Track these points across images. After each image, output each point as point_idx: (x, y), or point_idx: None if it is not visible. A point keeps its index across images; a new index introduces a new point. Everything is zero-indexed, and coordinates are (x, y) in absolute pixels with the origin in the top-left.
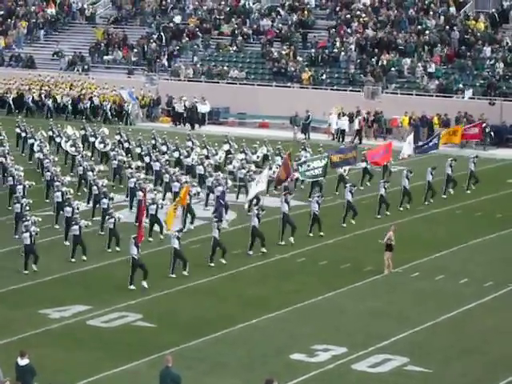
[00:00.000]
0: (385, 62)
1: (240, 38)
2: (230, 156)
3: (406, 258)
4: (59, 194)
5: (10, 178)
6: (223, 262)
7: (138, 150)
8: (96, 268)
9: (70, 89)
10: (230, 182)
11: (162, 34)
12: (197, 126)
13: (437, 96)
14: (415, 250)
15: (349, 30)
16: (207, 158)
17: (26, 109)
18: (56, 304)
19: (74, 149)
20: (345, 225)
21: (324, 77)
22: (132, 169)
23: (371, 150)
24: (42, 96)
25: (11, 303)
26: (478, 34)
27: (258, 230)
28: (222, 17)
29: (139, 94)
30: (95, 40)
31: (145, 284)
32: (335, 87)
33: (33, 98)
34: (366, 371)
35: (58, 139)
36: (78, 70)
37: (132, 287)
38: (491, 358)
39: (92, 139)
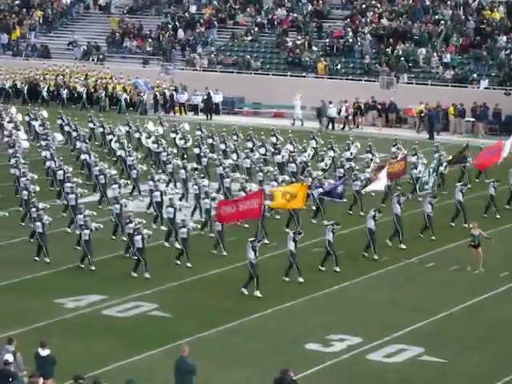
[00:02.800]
0: (400, 52)
1: (255, 27)
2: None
3: (421, 248)
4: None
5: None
6: (337, 270)
7: (223, 147)
8: (111, 258)
9: (86, 79)
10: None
11: (177, 23)
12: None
13: (452, 86)
14: (431, 240)
15: (364, 20)
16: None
17: (40, 99)
18: (71, 294)
19: (156, 145)
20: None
21: (339, 67)
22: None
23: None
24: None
25: (27, 293)
26: (494, 24)
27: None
28: (237, 6)
29: (155, 83)
30: (110, 30)
31: (258, 293)
32: (350, 77)
33: (48, 87)
34: (381, 361)
35: (136, 134)
36: (93, 60)
37: (258, 293)
38: (506, 348)
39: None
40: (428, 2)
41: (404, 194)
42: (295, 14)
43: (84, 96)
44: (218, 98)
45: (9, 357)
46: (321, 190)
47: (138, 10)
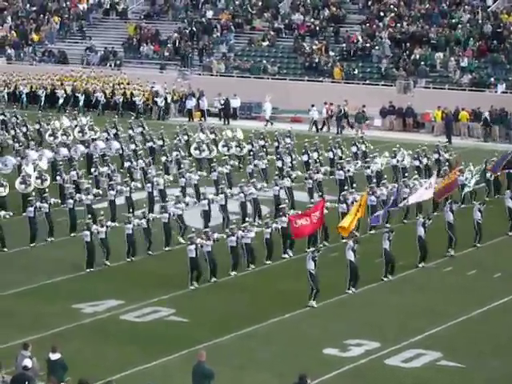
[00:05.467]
0: (417, 57)
1: (272, 32)
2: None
3: (439, 252)
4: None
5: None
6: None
7: (305, 158)
8: (129, 263)
9: (103, 84)
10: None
11: (193, 28)
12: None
13: (469, 90)
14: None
15: (381, 25)
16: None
17: (58, 104)
18: (89, 299)
19: (239, 149)
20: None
21: (356, 71)
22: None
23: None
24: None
25: (45, 298)
26: (511, 28)
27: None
28: (254, 11)
29: (171, 88)
30: (127, 35)
31: (313, 303)
32: (367, 82)
33: (65, 93)
34: (399, 366)
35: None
36: (110, 66)
37: (313, 303)
38: None
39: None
40: (445, 6)
41: (456, 202)
42: (312, 19)
43: (102, 101)
44: (235, 103)
45: (27, 362)
46: (373, 197)
47: (155, 16)
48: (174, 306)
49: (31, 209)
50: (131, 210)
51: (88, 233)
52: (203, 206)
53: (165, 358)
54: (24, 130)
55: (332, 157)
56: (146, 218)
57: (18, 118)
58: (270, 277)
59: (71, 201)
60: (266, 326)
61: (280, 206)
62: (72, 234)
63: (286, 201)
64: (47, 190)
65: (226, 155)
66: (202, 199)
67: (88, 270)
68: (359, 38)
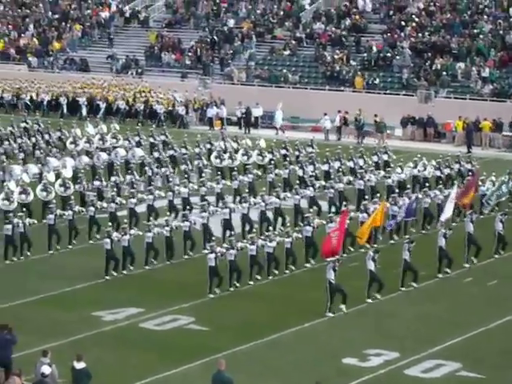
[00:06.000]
0: (438, 66)
1: (293, 41)
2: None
3: (459, 262)
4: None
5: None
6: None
7: (325, 168)
8: (149, 271)
9: (124, 92)
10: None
11: (215, 37)
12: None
13: (491, 100)
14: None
15: (402, 34)
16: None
17: (79, 112)
18: (109, 306)
19: (261, 157)
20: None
21: (377, 81)
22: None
23: None
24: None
25: (65, 305)
26: None
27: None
28: (275, 20)
29: (192, 97)
30: (149, 43)
31: (343, 308)
32: (388, 91)
33: (87, 101)
34: (418, 376)
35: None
36: (131, 74)
37: (330, 314)
38: None
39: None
40: (467, 16)
41: (476, 212)
42: (333, 28)
43: (122, 109)
44: (257, 112)
45: (45, 369)
46: (395, 208)
47: (177, 24)
48: (193, 315)
49: (51, 216)
50: (152, 218)
51: (109, 240)
52: (224, 215)
53: (184, 366)
54: (46, 137)
55: (353, 166)
56: (169, 227)
57: (39, 126)
58: (290, 286)
59: (93, 208)
60: (285, 335)
61: (305, 216)
62: (90, 241)
63: (311, 210)
64: (72, 197)
65: (247, 164)
66: (223, 208)
67: (107, 278)
68: (373, 47)
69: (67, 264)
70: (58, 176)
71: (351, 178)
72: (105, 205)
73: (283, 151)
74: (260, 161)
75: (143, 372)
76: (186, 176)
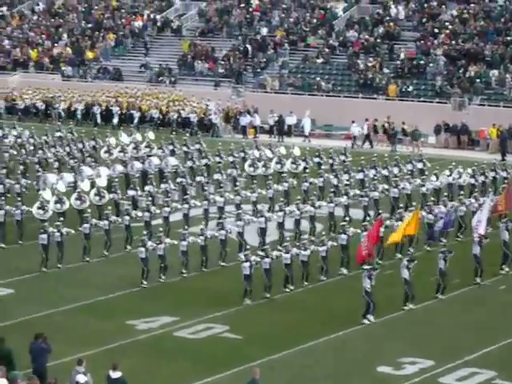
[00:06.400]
0: (472, 74)
1: (326, 49)
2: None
3: (493, 270)
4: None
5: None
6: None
7: (360, 176)
8: (183, 279)
9: (158, 101)
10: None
11: (248, 46)
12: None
13: None
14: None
15: (436, 42)
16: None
17: (112, 121)
18: (143, 315)
19: (294, 165)
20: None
21: (410, 89)
22: None
23: None
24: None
25: (100, 314)
26: None
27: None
28: (308, 29)
29: (225, 106)
30: (182, 52)
31: (371, 318)
32: (422, 99)
33: (120, 110)
34: None
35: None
36: (164, 82)
37: (366, 322)
38: None
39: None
40: (500, 24)
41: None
42: (366, 36)
43: (155, 118)
44: (291, 120)
45: (81, 378)
46: (431, 216)
47: (210, 33)
48: (227, 323)
49: (87, 225)
50: (187, 227)
51: (143, 249)
52: (260, 224)
53: (218, 374)
54: (80, 146)
55: (387, 174)
56: (204, 236)
57: (73, 135)
58: (324, 294)
59: (127, 217)
60: (319, 344)
61: (341, 224)
62: (127, 249)
63: (347, 218)
64: (109, 207)
65: (282, 172)
66: (259, 216)
67: (143, 286)
68: (401, 54)
69: (102, 273)
70: (92, 185)
71: (386, 187)
72: (140, 214)
73: (317, 159)
74: (294, 169)
75: (177, 381)
76: (220, 185)
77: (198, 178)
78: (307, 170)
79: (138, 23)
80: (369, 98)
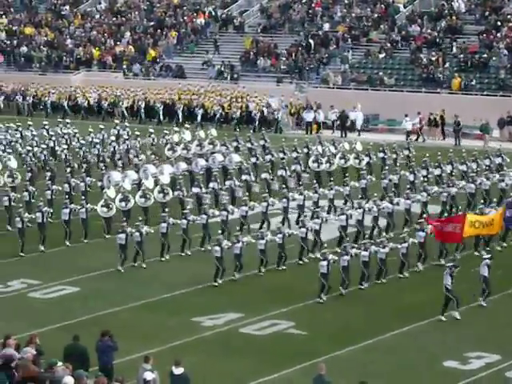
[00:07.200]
0: None
1: (389, 44)
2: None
3: None
4: None
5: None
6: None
7: (437, 172)
8: (247, 276)
9: (220, 98)
10: None
11: (310, 41)
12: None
13: None
14: None
15: (498, 35)
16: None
17: (176, 118)
18: (209, 312)
19: (357, 161)
20: None
21: (474, 82)
22: None
23: None
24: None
25: (165, 311)
26: None
27: None
28: (370, 23)
29: (288, 101)
30: (244, 49)
31: (457, 315)
32: (485, 93)
33: (183, 107)
34: None
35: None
36: (226, 79)
37: (443, 318)
38: None
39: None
40: None
41: None
42: (429, 30)
43: (218, 115)
44: (354, 116)
45: (148, 375)
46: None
47: (272, 29)
48: (293, 319)
49: (164, 225)
50: (265, 225)
51: (218, 248)
52: (341, 221)
53: (284, 371)
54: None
55: (465, 170)
56: (282, 233)
57: (136, 133)
58: (389, 289)
59: (205, 216)
60: (385, 339)
61: (419, 221)
62: (202, 248)
63: (425, 215)
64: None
65: (360, 169)
66: (339, 214)
67: (216, 284)
68: (453, 48)
69: (167, 271)
70: (156, 183)
71: (464, 182)
72: (217, 212)
73: (381, 154)
74: (357, 164)
75: (243, 377)
76: (300, 183)
77: (263, 175)
78: (386, 167)
79: (200, 20)
80: (432, 93)
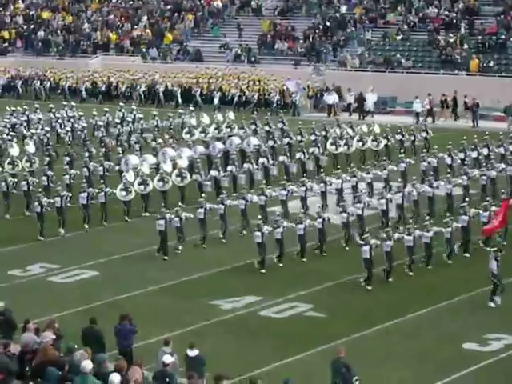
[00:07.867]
0: None
1: (406, 26)
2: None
3: None
4: None
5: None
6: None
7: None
8: (266, 259)
9: (238, 81)
10: None
11: (327, 24)
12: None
13: None
14: None
15: None
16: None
17: (194, 102)
18: (228, 295)
19: (375, 143)
20: None
21: (491, 64)
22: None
23: None
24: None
25: (184, 295)
26: None
27: None
28: (387, 5)
29: (306, 84)
30: (261, 32)
31: (498, 300)
32: (503, 74)
33: (201, 91)
34: None
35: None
36: (244, 62)
37: (492, 304)
38: None
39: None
40: None
41: None
42: (446, 12)
43: (236, 98)
44: (372, 98)
45: (167, 358)
46: None
47: (289, 12)
48: (311, 302)
49: (201, 210)
50: (303, 211)
51: (259, 233)
52: (381, 206)
53: (304, 353)
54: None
55: (503, 152)
56: (322, 218)
57: (155, 116)
58: (417, 272)
59: (243, 201)
60: (404, 321)
61: (461, 205)
62: (240, 234)
63: (467, 199)
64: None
65: (401, 152)
66: (379, 198)
67: (263, 271)
68: (462, 29)
69: (183, 256)
70: (173, 166)
71: (503, 165)
72: (255, 198)
73: (399, 136)
74: (375, 146)
75: (262, 359)
76: (338, 168)
77: (280, 158)
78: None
79: (217, 3)
80: (450, 74)
